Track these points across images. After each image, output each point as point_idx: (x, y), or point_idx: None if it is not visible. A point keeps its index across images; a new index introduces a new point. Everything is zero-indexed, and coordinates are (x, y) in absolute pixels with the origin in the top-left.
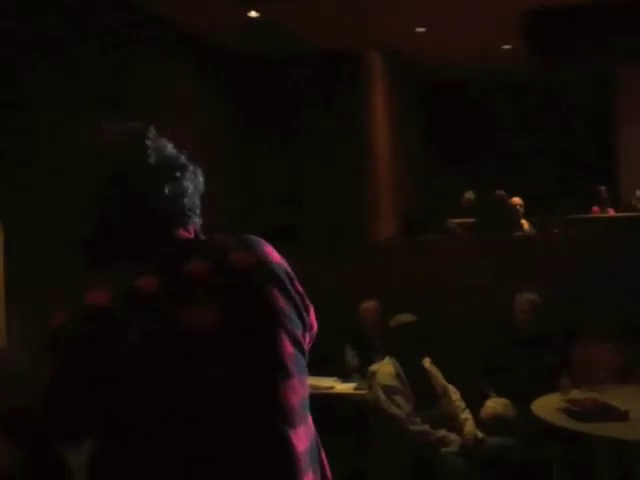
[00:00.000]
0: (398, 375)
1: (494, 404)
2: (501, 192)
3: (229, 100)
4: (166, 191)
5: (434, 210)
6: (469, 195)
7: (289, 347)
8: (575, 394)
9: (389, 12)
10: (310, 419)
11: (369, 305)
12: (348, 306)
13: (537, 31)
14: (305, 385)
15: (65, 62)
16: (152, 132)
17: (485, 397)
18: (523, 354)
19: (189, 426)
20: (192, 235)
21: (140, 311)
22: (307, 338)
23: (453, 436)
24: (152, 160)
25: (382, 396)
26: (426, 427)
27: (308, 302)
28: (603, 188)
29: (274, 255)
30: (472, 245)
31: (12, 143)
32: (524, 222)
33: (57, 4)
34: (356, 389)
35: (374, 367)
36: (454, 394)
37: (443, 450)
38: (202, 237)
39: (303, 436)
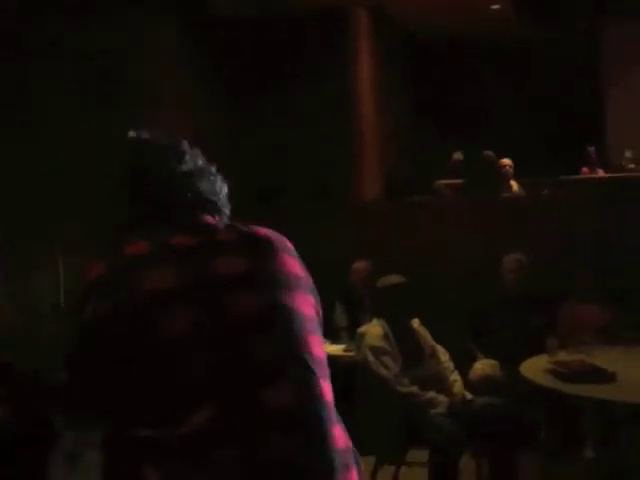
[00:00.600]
0: (386, 336)
1: (482, 366)
2: (489, 153)
3: (214, 60)
4: (201, 188)
5: (421, 171)
6: (457, 156)
7: (309, 308)
8: (562, 356)
9: None
10: None
11: (359, 265)
12: (334, 267)
13: None
14: (324, 347)
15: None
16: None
17: (473, 359)
18: (511, 315)
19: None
20: (216, 221)
21: (178, 259)
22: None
23: (442, 397)
24: (190, 166)
25: (370, 357)
26: (414, 388)
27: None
28: (592, 149)
29: (290, 243)
30: (460, 206)
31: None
32: (513, 183)
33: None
34: (345, 350)
35: (362, 329)
36: (443, 355)
37: (432, 411)
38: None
39: (330, 389)
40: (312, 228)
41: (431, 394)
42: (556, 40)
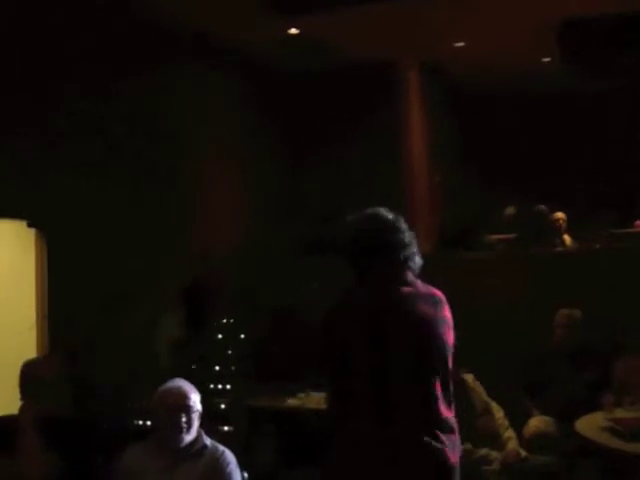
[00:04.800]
0: None
1: (537, 422)
2: (542, 206)
3: (266, 114)
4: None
5: (473, 226)
6: (510, 211)
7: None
8: (618, 412)
9: (427, 27)
10: None
11: None
12: None
13: (572, 41)
14: None
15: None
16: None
17: (528, 415)
18: (564, 371)
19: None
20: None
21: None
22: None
23: (495, 454)
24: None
25: None
26: (467, 445)
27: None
28: None
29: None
30: (514, 260)
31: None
32: (566, 237)
33: (98, 28)
34: None
35: None
36: (497, 411)
37: (485, 468)
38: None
39: None
40: None
41: (484, 451)
42: (606, 92)
